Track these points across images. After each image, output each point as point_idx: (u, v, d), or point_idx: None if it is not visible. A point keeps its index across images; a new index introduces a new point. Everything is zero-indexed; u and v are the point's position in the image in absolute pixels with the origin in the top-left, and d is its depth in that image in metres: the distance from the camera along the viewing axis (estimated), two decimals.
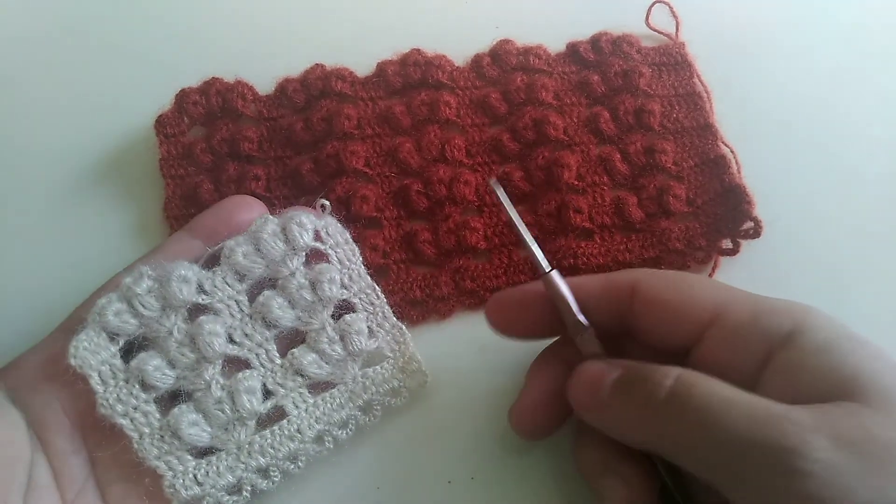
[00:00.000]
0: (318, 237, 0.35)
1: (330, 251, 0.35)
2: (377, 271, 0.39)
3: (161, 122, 0.41)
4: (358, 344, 0.34)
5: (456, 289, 0.39)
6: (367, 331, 0.34)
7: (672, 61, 0.46)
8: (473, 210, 0.41)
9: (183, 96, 0.42)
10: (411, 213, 0.41)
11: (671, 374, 0.27)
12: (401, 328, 0.36)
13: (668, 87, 0.45)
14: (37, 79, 0.45)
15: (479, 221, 0.40)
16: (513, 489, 0.36)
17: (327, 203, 0.36)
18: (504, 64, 0.45)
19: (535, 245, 0.33)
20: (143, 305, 0.32)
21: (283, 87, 0.43)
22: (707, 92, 0.45)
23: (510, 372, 0.38)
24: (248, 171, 0.40)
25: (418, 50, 0.44)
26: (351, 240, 0.35)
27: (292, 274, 0.34)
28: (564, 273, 0.39)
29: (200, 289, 0.33)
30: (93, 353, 0.31)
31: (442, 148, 0.41)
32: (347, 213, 0.39)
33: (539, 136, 0.42)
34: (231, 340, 0.33)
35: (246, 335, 0.33)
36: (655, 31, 0.47)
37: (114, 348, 0.32)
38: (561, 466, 0.36)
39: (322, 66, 0.44)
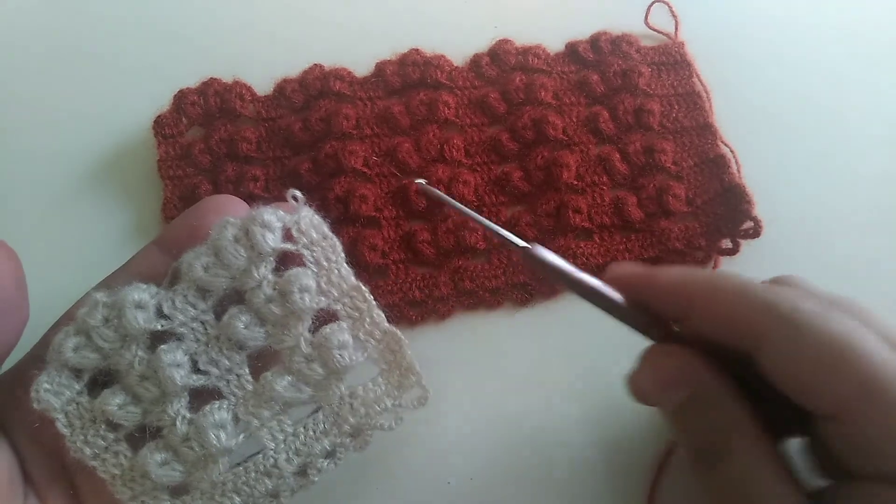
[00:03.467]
0: (288, 236, 0.30)
1: (304, 251, 0.30)
2: (376, 271, 0.39)
3: (159, 123, 0.41)
4: (340, 360, 0.29)
5: (455, 289, 0.39)
6: (351, 342, 0.29)
7: (671, 61, 0.46)
8: (472, 210, 0.41)
9: (181, 97, 0.41)
10: (410, 213, 0.41)
11: None
12: (395, 334, 0.30)
13: (668, 86, 0.45)
14: (35, 80, 0.45)
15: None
16: (512, 490, 0.36)
17: (299, 194, 0.30)
18: (503, 64, 0.45)
19: (498, 227, 0.32)
20: (100, 338, 0.28)
21: (282, 88, 0.43)
22: (707, 91, 0.45)
23: (510, 372, 0.38)
24: (246, 172, 0.40)
25: (417, 50, 0.44)
26: (330, 234, 0.30)
27: (259, 285, 0.29)
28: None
29: (159, 312, 0.29)
30: (56, 395, 0.28)
31: (441, 148, 0.41)
32: (346, 213, 0.39)
33: (538, 135, 0.42)
34: (197, 369, 0.29)
35: (213, 361, 0.29)
36: (655, 30, 0.47)
37: (79, 385, 0.29)
38: (560, 467, 0.36)
39: (320, 66, 0.44)
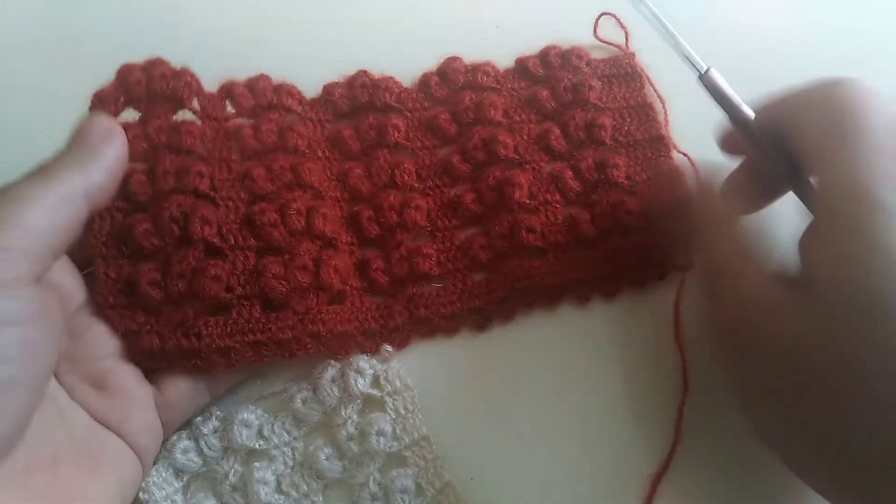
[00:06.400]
0: (376, 383, 0.35)
1: (387, 399, 0.35)
2: (336, 297, 0.38)
3: (101, 98, 0.35)
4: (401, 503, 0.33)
5: (410, 318, 0.39)
6: (413, 488, 0.34)
7: (622, 72, 0.45)
8: (426, 235, 0.41)
9: (126, 72, 0.36)
10: (363, 240, 0.40)
11: None
12: (454, 489, 0.34)
13: (619, 99, 0.44)
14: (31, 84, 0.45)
15: (431, 247, 0.40)
16: (512, 490, 0.36)
17: (390, 348, 0.36)
18: (452, 83, 0.44)
19: (686, 47, 0.37)
20: (207, 446, 0.33)
21: (229, 89, 0.40)
22: (662, 101, 0.45)
23: (508, 372, 0.38)
24: (191, 166, 0.35)
25: (365, 71, 0.44)
26: (411, 387, 0.35)
27: (344, 423, 0.34)
28: (518, 295, 0.39)
29: (260, 433, 0.34)
30: (159, 488, 0.33)
31: (391, 173, 0.41)
32: (309, 228, 0.37)
33: (489, 155, 0.41)
34: (280, 489, 0.34)
35: (294, 485, 0.34)
36: (604, 42, 0.46)
37: (178, 484, 0.33)
38: (560, 468, 0.36)
39: (268, 77, 0.41)
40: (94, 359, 0.32)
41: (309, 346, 0.36)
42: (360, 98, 0.43)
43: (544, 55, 0.45)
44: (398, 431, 0.34)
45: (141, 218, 0.34)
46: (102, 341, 0.32)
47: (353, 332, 0.38)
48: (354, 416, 0.34)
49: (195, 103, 0.38)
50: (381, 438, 0.34)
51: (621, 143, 0.43)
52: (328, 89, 0.43)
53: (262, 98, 0.40)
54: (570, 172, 0.42)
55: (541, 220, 0.40)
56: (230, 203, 0.36)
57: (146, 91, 0.36)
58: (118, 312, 0.33)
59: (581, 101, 0.43)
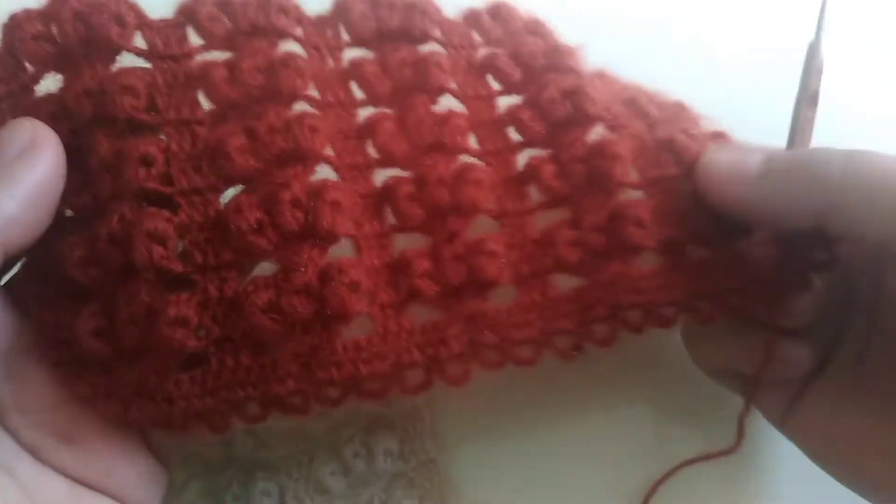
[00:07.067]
0: (386, 401, 0.31)
1: (395, 417, 0.33)
2: (356, 324, 0.25)
3: None
4: None
5: (471, 344, 0.26)
6: None
7: None
8: (490, 223, 0.28)
9: (15, 26, 0.26)
10: (400, 228, 0.27)
11: None
12: None
13: None
14: None
15: (498, 241, 0.27)
16: (514, 489, 0.34)
17: None
18: (509, 25, 0.32)
19: None
20: (211, 451, 0.32)
21: (191, 10, 0.27)
22: None
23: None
24: (132, 149, 0.25)
25: None
26: (420, 407, 0.32)
27: (350, 439, 0.32)
28: (622, 312, 0.27)
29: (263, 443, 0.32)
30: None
31: (438, 131, 0.28)
32: (311, 227, 0.25)
33: (573, 112, 0.29)
34: (283, 502, 0.32)
35: (298, 499, 0.32)
36: None
37: (178, 485, 0.32)
38: (561, 469, 0.34)
39: None
40: (52, 406, 0.26)
41: (322, 398, 0.26)
42: (389, 22, 0.29)
43: None
44: (406, 452, 0.33)
45: (74, 241, 0.25)
46: (55, 382, 0.26)
47: (386, 370, 0.25)
48: (361, 433, 0.33)
49: (138, 40, 0.27)
50: (388, 458, 0.33)
51: None
52: (343, 4, 0.30)
53: (242, 19, 0.27)
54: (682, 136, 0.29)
55: (650, 207, 0.28)
56: (195, 200, 0.25)
57: (58, 45, 0.26)
58: (67, 372, 0.25)
59: None
